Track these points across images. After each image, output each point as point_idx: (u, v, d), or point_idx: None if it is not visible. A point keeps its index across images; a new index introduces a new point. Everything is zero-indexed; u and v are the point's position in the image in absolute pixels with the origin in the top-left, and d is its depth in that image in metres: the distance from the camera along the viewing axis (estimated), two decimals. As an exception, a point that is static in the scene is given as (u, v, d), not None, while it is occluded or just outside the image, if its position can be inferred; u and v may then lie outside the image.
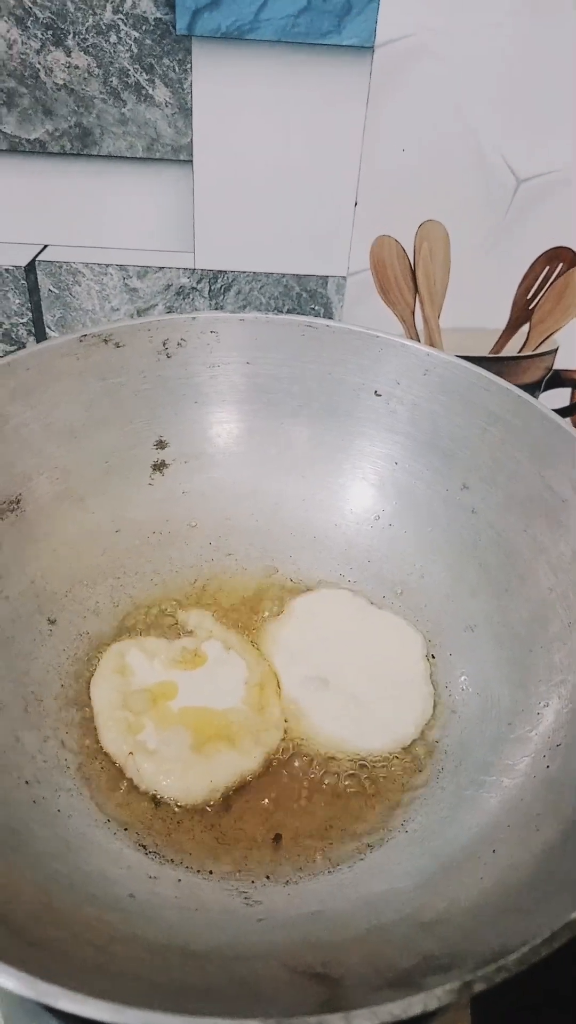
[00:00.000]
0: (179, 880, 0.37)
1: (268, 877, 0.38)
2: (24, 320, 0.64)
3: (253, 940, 0.34)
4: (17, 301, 0.62)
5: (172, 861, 0.38)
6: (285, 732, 0.43)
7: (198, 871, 0.38)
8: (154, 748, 0.41)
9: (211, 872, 0.38)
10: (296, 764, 0.42)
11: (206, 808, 0.40)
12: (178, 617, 0.49)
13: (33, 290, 0.62)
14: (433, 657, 0.47)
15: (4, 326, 0.64)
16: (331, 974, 0.30)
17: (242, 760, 0.41)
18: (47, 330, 0.65)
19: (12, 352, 0.65)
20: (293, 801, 0.41)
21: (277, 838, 0.39)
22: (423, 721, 0.44)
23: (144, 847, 0.39)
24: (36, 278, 0.62)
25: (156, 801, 0.40)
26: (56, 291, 0.62)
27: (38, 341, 0.65)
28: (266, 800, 0.41)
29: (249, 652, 0.46)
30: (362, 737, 0.43)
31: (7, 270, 0.60)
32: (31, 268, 0.61)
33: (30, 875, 0.34)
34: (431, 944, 0.31)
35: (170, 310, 0.64)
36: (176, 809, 0.40)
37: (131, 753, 0.41)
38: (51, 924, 0.32)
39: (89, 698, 0.44)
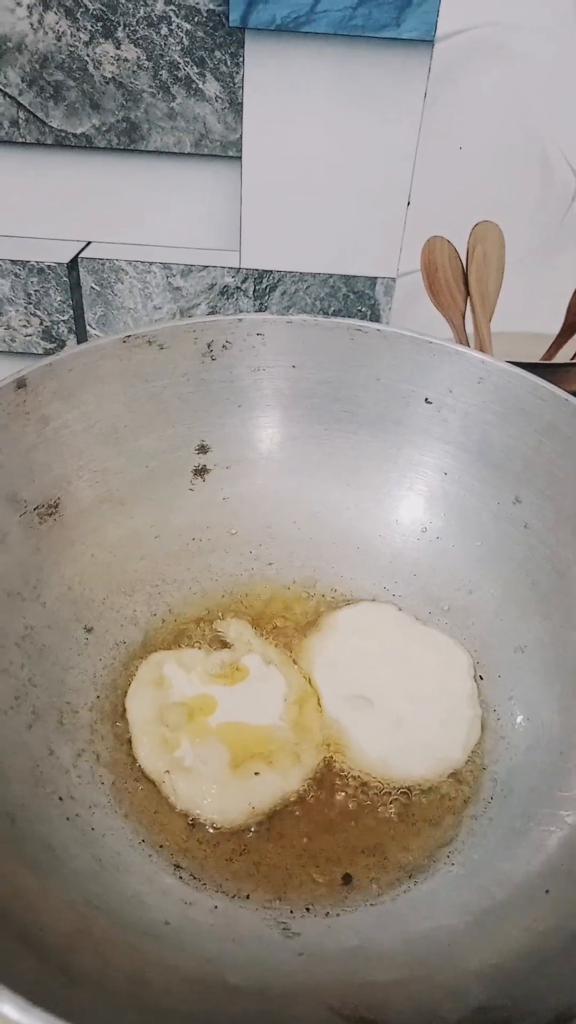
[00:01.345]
0: (215, 907, 0.36)
1: (308, 909, 0.37)
2: (65, 318, 0.63)
3: (293, 975, 0.33)
4: (59, 298, 0.61)
5: (208, 886, 0.37)
6: (326, 752, 0.42)
7: (234, 897, 0.37)
8: (191, 766, 0.40)
9: (248, 897, 0.37)
10: (337, 787, 0.41)
11: (243, 831, 0.39)
12: (217, 628, 0.47)
13: (75, 287, 0.61)
14: (481, 678, 0.46)
15: (45, 323, 0.63)
16: (377, 1020, 0.29)
17: (282, 781, 0.40)
18: (88, 328, 0.64)
19: (53, 350, 0.64)
20: (333, 826, 0.39)
21: (347, 878, 0.38)
22: (471, 746, 0.42)
23: (179, 869, 0.37)
24: (78, 275, 0.61)
25: (192, 822, 0.39)
26: (98, 288, 0.61)
27: (79, 339, 0.64)
28: (304, 824, 0.39)
29: (289, 667, 0.45)
30: (406, 761, 0.41)
31: (49, 267, 0.59)
32: (74, 265, 0.60)
33: (67, 897, 0.33)
34: (482, 994, 0.29)
35: (213, 310, 0.62)
36: (212, 831, 0.39)
37: (167, 772, 0.39)
38: (86, 951, 0.31)
39: (124, 710, 0.43)
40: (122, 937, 0.33)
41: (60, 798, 0.38)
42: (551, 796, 0.38)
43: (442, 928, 0.34)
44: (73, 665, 0.44)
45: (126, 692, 0.44)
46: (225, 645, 0.47)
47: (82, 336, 0.64)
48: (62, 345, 0.64)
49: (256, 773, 0.40)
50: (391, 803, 0.40)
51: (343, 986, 0.32)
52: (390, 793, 0.41)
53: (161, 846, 0.38)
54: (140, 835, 0.38)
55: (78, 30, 0.51)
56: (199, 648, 0.46)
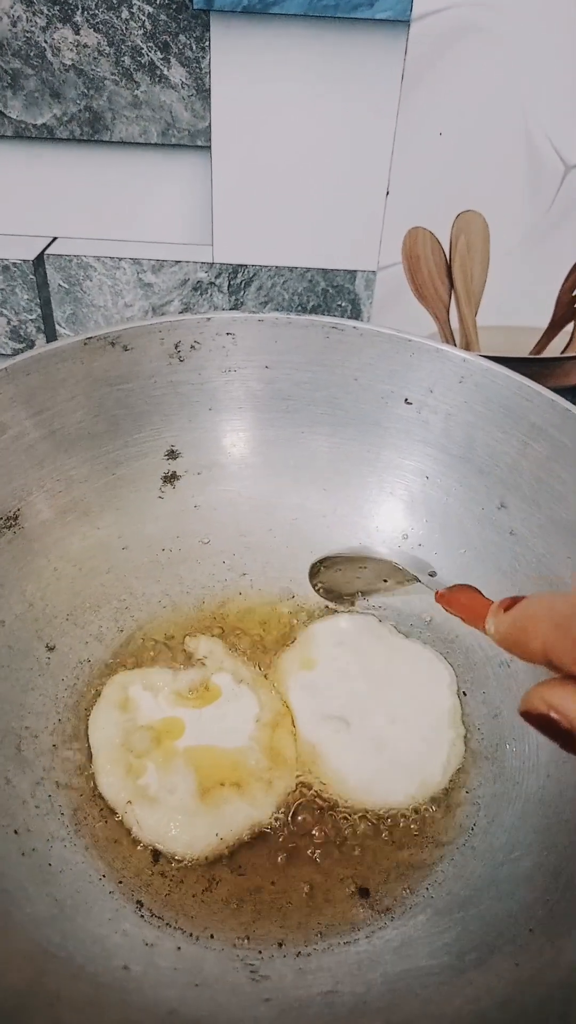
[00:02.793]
0: (179, 948, 0.34)
1: (280, 945, 0.34)
2: (33, 317, 0.60)
3: (259, 1026, 0.31)
4: (25, 297, 0.59)
5: (171, 925, 0.35)
6: (300, 777, 0.40)
7: (199, 938, 0.34)
8: (155, 795, 0.37)
9: (212, 937, 0.35)
10: (310, 815, 0.39)
11: (210, 864, 0.37)
12: (187, 645, 0.45)
13: (42, 285, 0.58)
14: (465, 694, 0.43)
15: (12, 323, 0.60)
16: None
17: (252, 810, 0.37)
18: (57, 327, 0.61)
19: (21, 350, 0.62)
20: (305, 858, 0.37)
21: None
22: (453, 768, 0.40)
23: (141, 907, 0.35)
24: (45, 272, 0.58)
25: (156, 854, 0.37)
26: (66, 286, 0.59)
27: (48, 339, 0.62)
28: (277, 856, 0.37)
29: (262, 686, 0.42)
30: (385, 786, 0.39)
31: (14, 264, 0.57)
32: (40, 262, 0.57)
33: (20, 945, 0.31)
34: (460, 1050, 0.27)
35: (186, 306, 0.60)
36: (175, 864, 0.37)
37: (129, 802, 0.37)
38: (36, 1008, 0.28)
39: (88, 729, 0.41)
40: (80, 988, 0.30)
41: (16, 831, 0.36)
42: (537, 824, 0.36)
43: (420, 970, 0.32)
44: (34, 686, 0.42)
45: (89, 714, 0.42)
46: (195, 663, 0.44)
47: (51, 335, 0.62)
48: (31, 345, 0.62)
49: (226, 802, 0.37)
50: (368, 832, 0.38)
51: (311, 1039, 0.29)
52: (367, 820, 0.38)
53: (122, 881, 0.36)
54: (101, 870, 0.36)
55: (34, 15, 0.48)
56: (167, 667, 0.44)
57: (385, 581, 0.46)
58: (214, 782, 0.38)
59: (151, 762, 0.39)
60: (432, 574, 0.44)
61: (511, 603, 0.22)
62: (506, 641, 0.22)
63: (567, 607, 0.20)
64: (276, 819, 0.38)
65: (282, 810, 0.38)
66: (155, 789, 0.38)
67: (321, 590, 0.47)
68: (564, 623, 0.20)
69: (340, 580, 0.46)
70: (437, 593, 0.33)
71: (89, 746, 0.40)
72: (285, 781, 0.39)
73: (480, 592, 0.33)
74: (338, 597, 0.48)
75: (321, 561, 0.46)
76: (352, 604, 0.48)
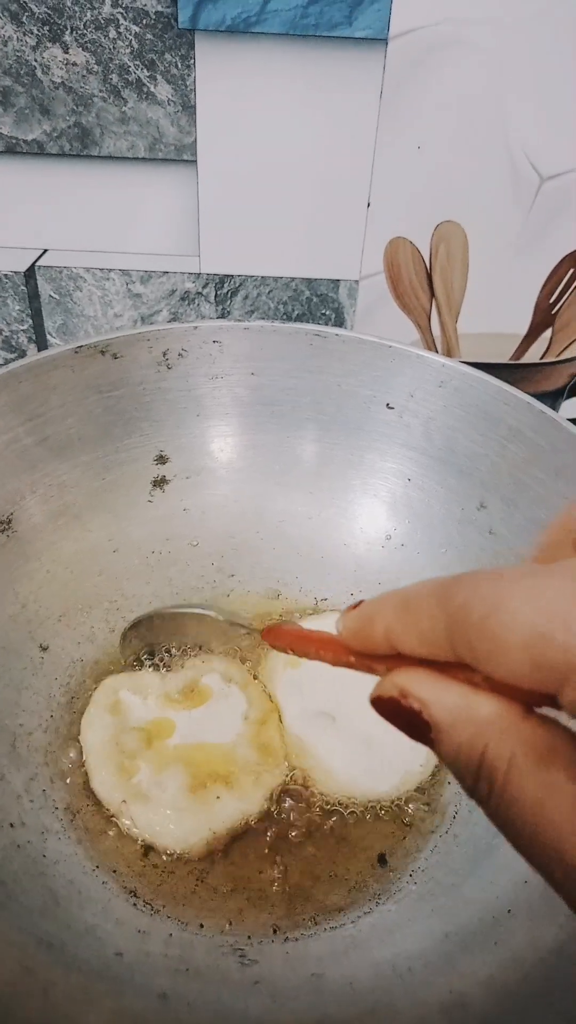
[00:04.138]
0: (170, 935, 0.35)
1: (268, 931, 0.35)
2: (24, 327, 0.61)
3: (249, 1009, 0.31)
4: (17, 307, 0.60)
5: (162, 913, 0.36)
6: (288, 771, 0.41)
7: (189, 924, 0.35)
8: (148, 793, 0.38)
9: (202, 926, 0.36)
10: (299, 806, 0.40)
11: (202, 856, 0.38)
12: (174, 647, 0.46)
13: (33, 296, 0.60)
14: (447, 689, 0.44)
15: (4, 333, 0.61)
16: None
17: (242, 804, 0.39)
18: (48, 337, 0.62)
19: (13, 360, 0.63)
20: (293, 847, 0.38)
21: (306, 900, 0.37)
22: (435, 761, 0.41)
23: (134, 896, 0.36)
24: (36, 284, 0.59)
25: (147, 848, 0.38)
26: (57, 297, 0.60)
27: (39, 348, 0.63)
28: (265, 846, 0.38)
29: (250, 685, 0.44)
30: (370, 778, 0.40)
31: (6, 275, 0.58)
32: (31, 273, 0.59)
33: (16, 937, 0.32)
34: (441, 1025, 0.28)
35: (174, 316, 0.61)
36: (167, 856, 0.38)
37: (124, 801, 0.38)
38: (32, 998, 0.29)
39: (80, 731, 0.42)
40: (71, 976, 0.31)
41: (11, 825, 0.37)
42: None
43: (404, 954, 0.33)
44: (27, 685, 0.43)
45: (83, 712, 0.43)
46: (185, 665, 0.45)
47: (42, 345, 0.63)
48: (23, 355, 0.63)
49: (217, 797, 0.38)
50: (352, 822, 0.39)
51: (300, 1019, 0.30)
52: (352, 811, 0.40)
53: (115, 871, 0.37)
54: (94, 861, 0.37)
55: (24, 35, 0.50)
56: (155, 669, 0.45)
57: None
58: (205, 778, 0.39)
59: (143, 761, 0.40)
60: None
61: (355, 606, 0.21)
62: (353, 634, 0.20)
63: (405, 595, 0.19)
64: (264, 810, 0.39)
65: (270, 801, 0.39)
66: (148, 787, 0.39)
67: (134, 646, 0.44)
68: (404, 603, 0.19)
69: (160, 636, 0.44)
70: (263, 631, 0.29)
71: (82, 743, 0.41)
72: (274, 774, 0.40)
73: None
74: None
75: (131, 627, 0.43)
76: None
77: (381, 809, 0.40)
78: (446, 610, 0.17)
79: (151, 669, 0.44)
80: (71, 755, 0.41)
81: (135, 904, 0.36)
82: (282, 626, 0.27)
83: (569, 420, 0.44)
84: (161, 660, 0.45)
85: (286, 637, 0.26)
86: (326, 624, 0.47)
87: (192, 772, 0.39)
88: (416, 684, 0.18)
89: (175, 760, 0.40)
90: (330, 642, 0.23)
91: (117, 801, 0.38)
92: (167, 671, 0.44)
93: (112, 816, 0.39)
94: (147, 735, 0.41)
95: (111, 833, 0.38)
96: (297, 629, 0.26)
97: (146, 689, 0.43)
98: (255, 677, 0.44)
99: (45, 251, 0.60)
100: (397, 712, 0.19)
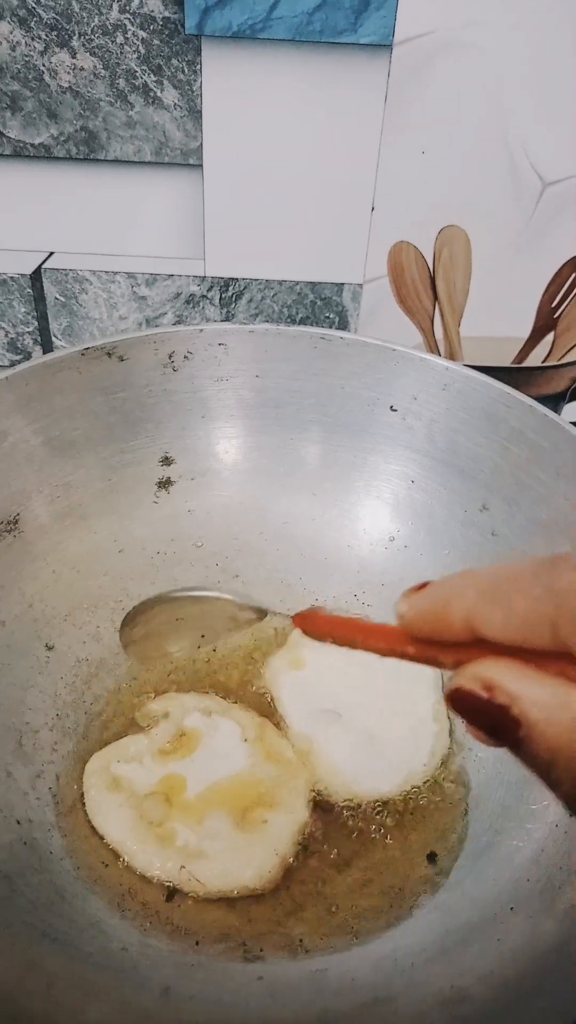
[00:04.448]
0: (174, 930, 0.35)
1: (273, 927, 0.36)
2: (30, 329, 0.62)
3: (253, 1005, 0.32)
4: (23, 310, 0.60)
5: (166, 909, 0.36)
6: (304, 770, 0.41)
7: (194, 920, 0.36)
8: (201, 848, 0.37)
9: (208, 920, 0.36)
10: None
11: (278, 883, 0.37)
12: (140, 715, 0.43)
13: (39, 298, 0.60)
14: (449, 689, 0.45)
15: (10, 335, 0.62)
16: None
17: (291, 816, 0.38)
18: (53, 339, 0.63)
19: (18, 362, 0.63)
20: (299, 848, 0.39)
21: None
22: (439, 759, 0.42)
23: (139, 891, 0.37)
24: (42, 286, 0.60)
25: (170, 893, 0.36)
26: (62, 299, 0.61)
27: (44, 351, 0.63)
28: (270, 844, 0.39)
29: (230, 709, 0.43)
30: (375, 777, 0.41)
31: (12, 278, 0.59)
32: (37, 276, 0.59)
33: (21, 931, 0.32)
34: (443, 1020, 0.29)
35: (179, 319, 0.62)
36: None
37: (183, 867, 0.36)
38: (36, 991, 0.30)
39: (86, 729, 0.42)
40: (77, 971, 0.32)
41: (17, 821, 0.38)
42: (519, 810, 0.38)
43: (406, 949, 0.34)
44: (33, 684, 0.43)
45: (87, 711, 0.43)
46: (158, 719, 0.42)
47: (48, 347, 0.63)
48: (28, 356, 0.63)
49: (264, 821, 0.38)
50: (355, 820, 0.40)
51: (303, 1015, 0.31)
52: (354, 810, 0.40)
53: (119, 868, 0.37)
54: (100, 857, 0.38)
55: (32, 39, 0.50)
56: (136, 734, 0.42)
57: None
58: (243, 811, 0.38)
59: (176, 823, 0.38)
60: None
61: (421, 586, 0.20)
62: (422, 617, 0.19)
63: (489, 576, 0.18)
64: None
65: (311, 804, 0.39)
66: (197, 844, 0.37)
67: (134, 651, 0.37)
68: (489, 590, 0.17)
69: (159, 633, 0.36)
70: (296, 617, 0.26)
71: (86, 738, 0.41)
72: (301, 778, 0.40)
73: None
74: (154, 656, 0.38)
75: (133, 613, 0.36)
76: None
77: (384, 807, 0.40)
78: (552, 589, 0.16)
79: (129, 735, 0.42)
80: (75, 753, 0.41)
81: (140, 900, 0.36)
82: (318, 612, 0.24)
83: (571, 423, 0.44)
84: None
85: (325, 624, 0.24)
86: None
87: (228, 810, 0.38)
88: (504, 676, 0.16)
89: (205, 807, 0.38)
90: (380, 629, 0.21)
91: (176, 872, 0.36)
92: (147, 729, 0.42)
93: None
94: (164, 796, 0.39)
95: (116, 830, 0.39)
96: (336, 615, 0.24)
97: (137, 754, 0.41)
98: (233, 702, 0.44)
99: (51, 254, 0.60)
100: (478, 708, 0.17)
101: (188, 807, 0.38)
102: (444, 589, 0.19)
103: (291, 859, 0.37)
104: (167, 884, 0.36)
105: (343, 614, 0.24)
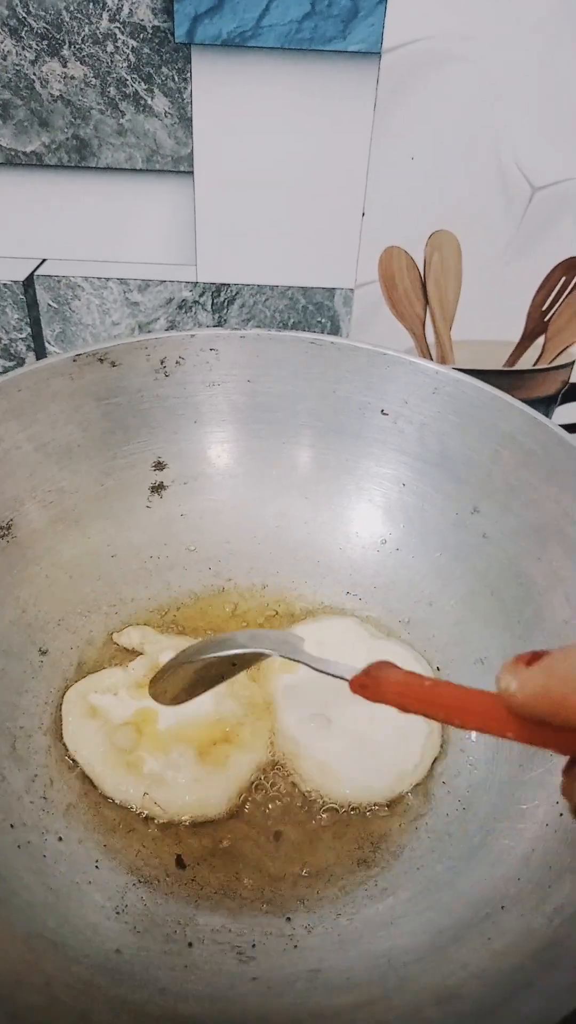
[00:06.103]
0: (169, 932, 0.35)
1: (266, 927, 0.36)
2: (23, 335, 0.62)
3: (248, 1004, 0.32)
4: (16, 316, 0.61)
5: (161, 911, 0.36)
6: (283, 770, 0.41)
7: (189, 921, 0.36)
8: (164, 777, 0.40)
9: (202, 922, 0.36)
10: (297, 805, 0.40)
11: (201, 851, 0.38)
12: (116, 641, 0.47)
13: (32, 305, 0.60)
14: (442, 691, 0.45)
15: (3, 342, 0.62)
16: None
17: (251, 755, 0.41)
18: (46, 345, 0.63)
19: (12, 368, 0.63)
20: (293, 844, 0.39)
21: (276, 835, 0.39)
22: (429, 761, 0.42)
23: (133, 894, 0.37)
24: (35, 293, 0.60)
25: (147, 843, 0.38)
26: (55, 306, 0.61)
27: (38, 357, 0.64)
28: (266, 843, 0.39)
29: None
30: (366, 779, 0.41)
31: (5, 285, 0.59)
32: (29, 282, 0.59)
33: (18, 931, 0.33)
34: (436, 1016, 0.29)
35: (172, 324, 0.62)
36: (172, 852, 0.38)
37: (146, 794, 0.39)
38: (34, 989, 0.30)
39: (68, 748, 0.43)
40: (75, 971, 0.32)
41: (12, 825, 0.38)
42: (509, 810, 0.38)
43: (399, 948, 0.34)
44: (27, 688, 0.43)
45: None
46: (133, 654, 0.46)
47: (41, 354, 0.64)
48: (21, 363, 0.63)
49: (226, 756, 0.40)
50: (350, 821, 0.40)
51: (297, 1013, 0.31)
52: (349, 811, 0.40)
53: (114, 870, 0.37)
54: (94, 860, 0.38)
55: (23, 49, 0.51)
56: (114, 667, 0.45)
57: (234, 665, 0.36)
58: (207, 745, 0.41)
59: (144, 752, 0.41)
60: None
61: (532, 658, 0.18)
62: (541, 699, 0.17)
63: None
64: (263, 810, 0.40)
65: (264, 801, 0.40)
66: (161, 772, 0.40)
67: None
68: None
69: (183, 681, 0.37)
70: (353, 681, 0.23)
71: (79, 764, 0.41)
72: (264, 719, 0.42)
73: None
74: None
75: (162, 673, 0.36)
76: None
77: (377, 807, 0.40)
78: None
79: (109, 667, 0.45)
80: (70, 757, 0.41)
81: (135, 902, 0.36)
82: (386, 674, 0.19)
83: (562, 426, 0.45)
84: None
85: (394, 690, 0.19)
86: (324, 628, 0.48)
87: (194, 744, 0.41)
88: None
89: (172, 740, 0.41)
90: (472, 702, 0.18)
91: (139, 797, 0.39)
92: (125, 664, 0.45)
93: (114, 813, 0.39)
94: (136, 727, 0.42)
95: (111, 831, 0.39)
96: (409, 677, 0.19)
97: (114, 686, 0.43)
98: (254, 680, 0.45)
99: (43, 261, 0.60)
100: None
101: (157, 738, 0.41)
102: (568, 666, 0.17)
103: (246, 793, 0.40)
104: (173, 854, 0.38)
105: (413, 675, 0.19)
